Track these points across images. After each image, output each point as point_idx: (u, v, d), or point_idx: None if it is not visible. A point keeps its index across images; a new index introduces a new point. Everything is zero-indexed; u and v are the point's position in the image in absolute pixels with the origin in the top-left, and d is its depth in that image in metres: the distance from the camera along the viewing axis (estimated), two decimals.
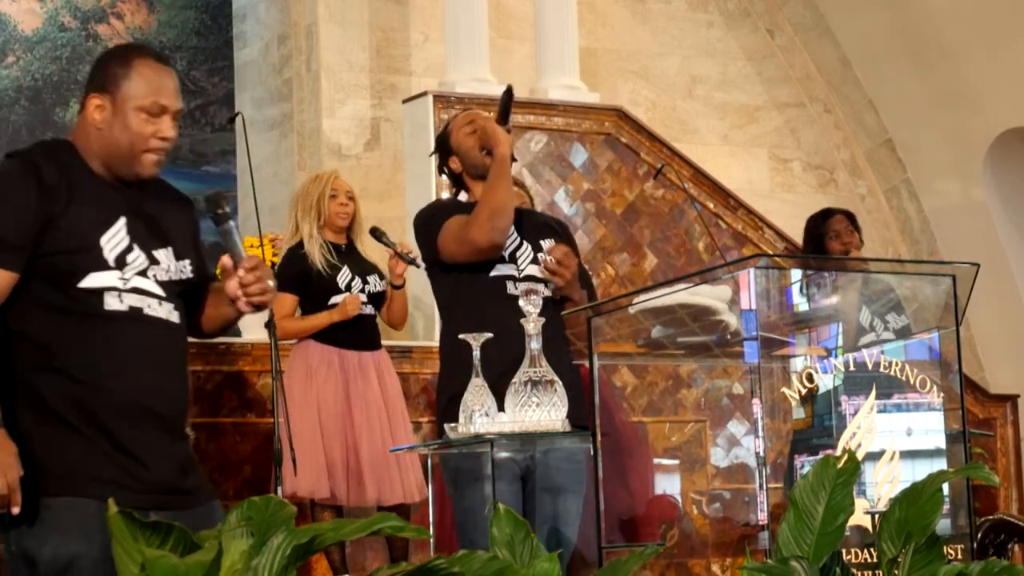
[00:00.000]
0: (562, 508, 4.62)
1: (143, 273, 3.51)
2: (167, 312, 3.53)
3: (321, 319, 6.78)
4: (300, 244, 6.87)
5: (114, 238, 3.49)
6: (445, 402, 4.63)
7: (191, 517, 3.39)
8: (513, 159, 4.80)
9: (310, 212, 6.87)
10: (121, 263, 3.48)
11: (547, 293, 4.68)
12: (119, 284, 3.47)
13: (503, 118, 4.81)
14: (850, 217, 7.18)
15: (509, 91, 4.83)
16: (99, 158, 3.54)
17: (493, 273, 4.71)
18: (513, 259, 4.75)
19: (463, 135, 4.86)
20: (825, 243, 7.03)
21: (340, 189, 6.93)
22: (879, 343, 4.43)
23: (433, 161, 8.54)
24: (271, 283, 3.49)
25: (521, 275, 4.72)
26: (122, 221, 3.50)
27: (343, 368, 6.77)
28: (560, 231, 4.98)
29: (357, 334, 6.82)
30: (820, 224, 7.12)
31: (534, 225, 4.90)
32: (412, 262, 6.73)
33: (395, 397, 6.88)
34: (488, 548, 3.47)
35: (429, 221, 4.83)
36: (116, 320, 3.46)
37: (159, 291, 3.52)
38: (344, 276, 6.82)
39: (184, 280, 3.58)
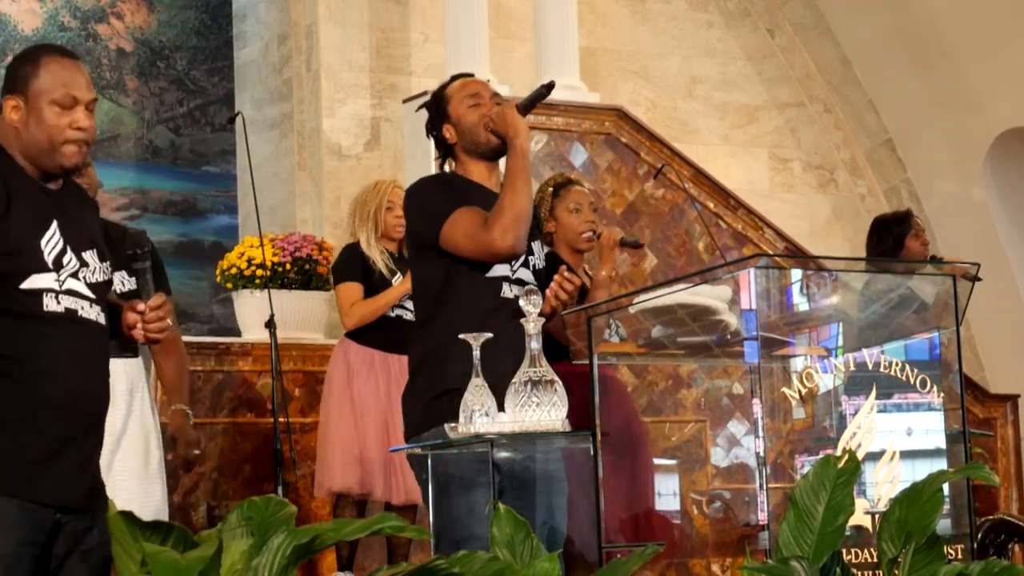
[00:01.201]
0: (546, 504, 4.52)
1: (75, 275, 3.59)
2: (96, 314, 3.63)
3: (392, 293, 6.81)
4: (359, 242, 6.95)
5: (51, 240, 3.57)
6: (430, 398, 4.44)
7: (101, 522, 3.45)
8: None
9: (367, 222, 6.94)
10: (58, 265, 3.57)
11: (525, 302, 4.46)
12: (55, 286, 3.55)
13: (525, 108, 4.57)
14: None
15: (550, 87, 4.59)
16: (25, 157, 3.61)
17: (490, 273, 4.50)
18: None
19: (465, 108, 4.59)
20: (906, 242, 7.47)
21: (396, 202, 6.89)
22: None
23: (433, 162, 8.61)
24: (169, 322, 3.65)
25: (513, 276, 4.53)
26: (55, 223, 3.59)
27: (384, 369, 6.82)
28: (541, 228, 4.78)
29: (397, 337, 6.80)
30: (903, 223, 7.54)
31: None
32: None
33: None
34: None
35: (433, 201, 4.56)
36: (53, 321, 3.54)
37: (89, 293, 3.61)
38: (399, 280, 6.85)
39: (108, 281, 3.69)
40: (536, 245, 4.66)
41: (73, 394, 3.54)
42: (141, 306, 3.60)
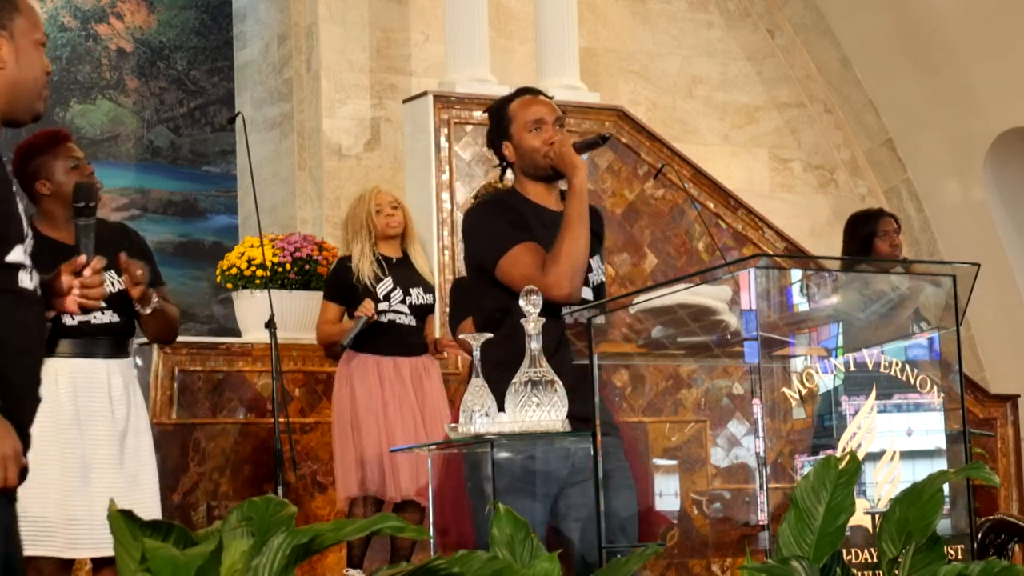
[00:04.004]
0: (612, 504, 4.46)
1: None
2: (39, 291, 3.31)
3: (346, 327, 6.99)
4: (350, 256, 7.10)
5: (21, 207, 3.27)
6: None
7: None
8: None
9: (360, 232, 7.09)
10: (25, 236, 3.27)
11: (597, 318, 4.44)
12: (27, 261, 3.24)
13: (580, 150, 4.55)
14: (896, 220, 7.41)
15: (605, 139, 4.61)
16: (4, 103, 3.31)
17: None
18: None
19: (527, 133, 4.57)
20: (874, 242, 7.20)
21: (383, 202, 7.12)
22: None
23: (433, 161, 8.62)
24: (102, 290, 3.28)
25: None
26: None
27: (379, 373, 6.94)
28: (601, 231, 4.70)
29: (393, 341, 6.98)
30: (872, 222, 7.31)
31: None
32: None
33: (434, 400, 7.04)
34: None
35: (496, 229, 4.53)
36: (27, 299, 3.25)
37: (30, 265, 3.29)
38: (384, 286, 7.01)
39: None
40: (595, 260, 4.61)
41: (35, 375, 3.27)
42: (82, 259, 3.22)
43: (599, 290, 4.64)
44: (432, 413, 6.96)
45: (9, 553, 3.25)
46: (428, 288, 7.11)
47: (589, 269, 4.58)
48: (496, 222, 4.57)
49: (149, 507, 5.13)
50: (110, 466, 5.09)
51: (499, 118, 4.64)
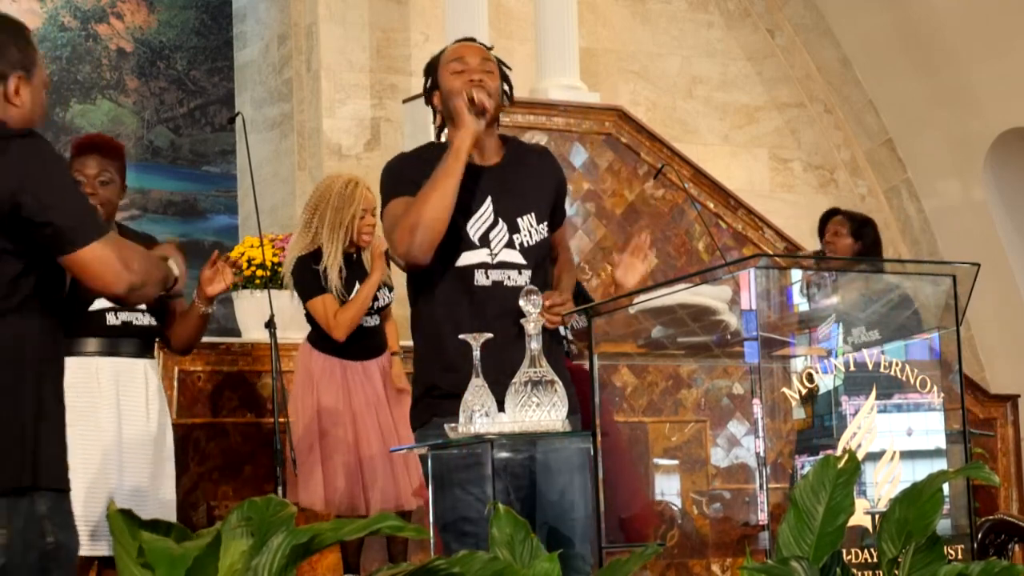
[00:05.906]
0: (566, 503, 4.46)
1: None
2: None
3: (366, 289, 6.51)
4: (315, 256, 6.61)
5: None
6: (415, 397, 4.41)
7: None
8: (497, 121, 4.35)
9: (338, 230, 6.57)
10: None
11: (522, 282, 4.27)
12: None
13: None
14: (852, 219, 7.72)
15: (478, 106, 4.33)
16: None
17: (459, 262, 4.26)
18: (486, 242, 4.29)
19: (448, 74, 4.36)
20: (823, 240, 7.75)
21: (369, 207, 6.59)
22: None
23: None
24: None
25: (495, 260, 4.29)
26: None
27: (345, 378, 6.65)
28: (543, 187, 4.40)
29: (360, 345, 6.68)
30: (823, 222, 7.81)
31: (511, 195, 4.35)
32: None
33: (398, 397, 6.74)
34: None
35: (384, 189, 4.33)
36: None
37: None
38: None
39: None
40: (525, 220, 4.37)
41: None
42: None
43: (530, 252, 4.34)
44: (398, 409, 6.72)
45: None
46: (390, 287, 6.73)
47: (516, 229, 4.32)
48: (388, 180, 4.36)
49: (170, 502, 5.25)
50: (144, 462, 5.20)
51: (430, 69, 4.44)
